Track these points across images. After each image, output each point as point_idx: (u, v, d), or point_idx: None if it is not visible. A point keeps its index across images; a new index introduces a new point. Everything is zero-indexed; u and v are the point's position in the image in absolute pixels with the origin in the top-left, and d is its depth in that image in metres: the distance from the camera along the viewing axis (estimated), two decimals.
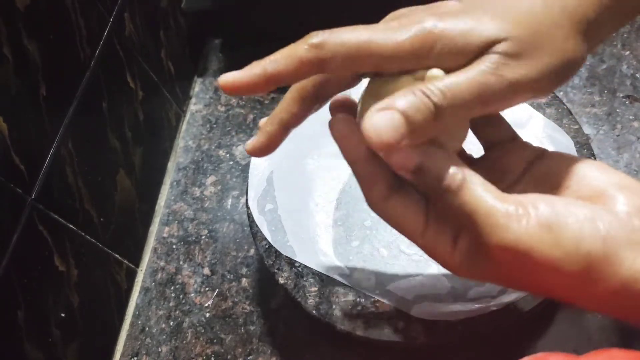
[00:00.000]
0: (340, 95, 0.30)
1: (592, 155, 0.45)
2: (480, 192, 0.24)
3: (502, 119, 0.31)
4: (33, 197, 0.41)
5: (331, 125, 0.28)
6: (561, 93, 0.57)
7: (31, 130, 0.42)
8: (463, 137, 0.28)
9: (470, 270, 0.26)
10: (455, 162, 0.25)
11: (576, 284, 0.23)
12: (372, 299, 0.42)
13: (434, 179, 0.25)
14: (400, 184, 0.27)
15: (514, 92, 0.25)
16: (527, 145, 0.30)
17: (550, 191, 0.26)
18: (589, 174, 0.26)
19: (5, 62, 0.39)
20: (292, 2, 0.64)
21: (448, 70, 0.25)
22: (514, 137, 0.31)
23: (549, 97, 0.49)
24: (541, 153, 0.29)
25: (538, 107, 0.49)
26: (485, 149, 0.32)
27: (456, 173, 0.24)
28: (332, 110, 0.30)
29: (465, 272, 0.26)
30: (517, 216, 0.23)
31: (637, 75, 0.57)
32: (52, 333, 0.43)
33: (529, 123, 0.48)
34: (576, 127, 0.47)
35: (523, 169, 0.29)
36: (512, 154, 0.30)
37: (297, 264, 0.45)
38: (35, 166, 0.42)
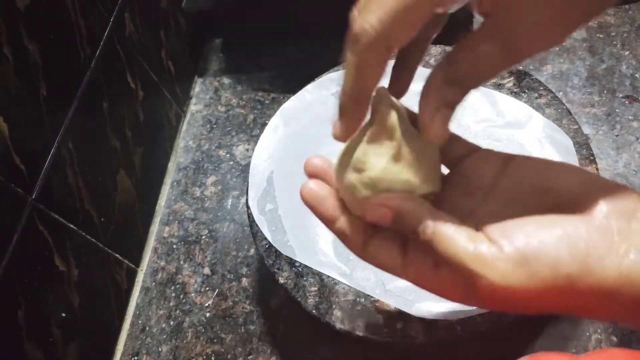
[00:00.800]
0: (316, 164, 0.31)
1: (592, 155, 0.45)
2: (451, 241, 0.25)
3: (456, 136, 0.31)
4: (33, 197, 0.41)
5: (302, 192, 0.30)
6: (561, 93, 0.57)
7: (31, 130, 0.42)
8: (437, 181, 0.29)
9: (463, 299, 0.27)
10: (426, 212, 0.26)
11: (565, 301, 0.24)
12: (372, 299, 0.42)
13: (409, 231, 0.26)
14: (374, 230, 0.29)
15: None
16: (491, 154, 0.30)
17: (523, 203, 0.27)
18: (559, 179, 0.26)
19: (5, 62, 0.39)
20: (291, 3, 0.64)
21: None
22: (475, 149, 0.31)
23: (549, 97, 0.49)
24: (508, 158, 0.29)
25: (538, 107, 0.49)
26: (449, 167, 0.32)
27: (426, 227, 0.25)
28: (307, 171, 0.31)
29: (459, 300, 0.27)
30: (489, 258, 0.24)
31: (637, 75, 0.57)
32: (52, 333, 0.43)
33: (529, 123, 0.48)
34: (575, 127, 0.47)
35: (492, 179, 0.29)
36: (478, 165, 0.30)
37: (297, 264, 0.45)
38: (35, 166, 0.42)
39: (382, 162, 0.27)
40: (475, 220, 0.26)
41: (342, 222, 0.29)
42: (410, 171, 0.27)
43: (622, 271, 0.22)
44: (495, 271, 0.23)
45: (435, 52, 0.53)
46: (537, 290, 0.23)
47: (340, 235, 0.29)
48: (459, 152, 0.31)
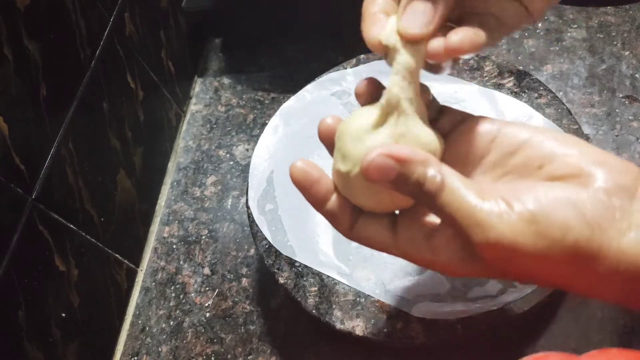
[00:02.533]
0: (329, 123, 0.30)
1: None
2: (460, 192, 0.24)
3: (447, 107, 0.30)
4: (33, 197, 0.41)
5: (292, 172, 0.28)
6: (561, 93, 0.57)
7: (31, 130, 0.42)
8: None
9: (460, 268, 0.26)
10: (433, 163, 0.25)
11: (567, 270, 0.23)
12: (372, 299, 0.42)
13: (414, 185, 0.25)
14: (361, 210, 0.28)
15: None
16: (482, 122, 0.28)
17: (523, 172, 0.26)
18: (560, 150, 0.25)
19: (5, 62, 0.39)
20: (291, 3, 0.64)
21: None
22: (465, 118, 0.29)
23: (549, 97, 0.49)
24: (500, 127, 0.28)
25: (538, 107, 0.49)
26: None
27: (434, 176, 0.24)
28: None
29: (455, 270, 0.26)
30: (498, 212, 0.23)
31: (637, 75, 0.57)
32: (52, 333, 0.43)
33: (529, 123, 0.48)
34: (575, 127, 0.47)
35: (485, 149, 0.28)
36: (470, 135, 0.28)
37: (297, 264, 0.45)
38: (35, 166, 0.42)
39: (369, 140, 0.26)
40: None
41: (332, 202, 0.28)
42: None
43: (622, 247, 0.22)
44: (504, 225, 0.23)
45: None
46: (544, 252, 0.23)
47: (329, 216, 0.29)
48: (449, 120, 0.30)
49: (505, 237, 0.23)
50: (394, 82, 0.26)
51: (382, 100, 0.26)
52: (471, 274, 0.26)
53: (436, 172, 0.24)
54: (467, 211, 0.24)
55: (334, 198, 0.28)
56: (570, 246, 0.23)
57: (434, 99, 0.30)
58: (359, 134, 0.27)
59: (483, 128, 0.28)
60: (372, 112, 0.27)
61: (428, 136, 0.27)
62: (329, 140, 0.30)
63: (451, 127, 0.29)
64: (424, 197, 0.25)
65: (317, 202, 0.29)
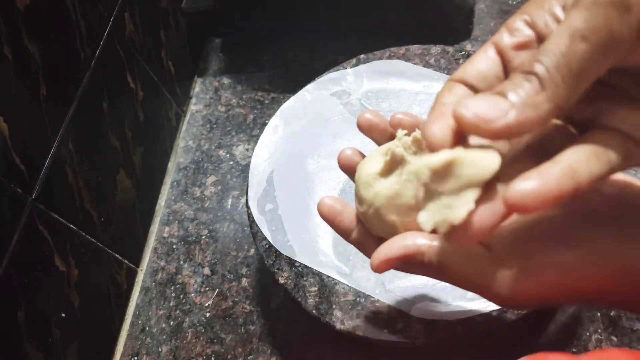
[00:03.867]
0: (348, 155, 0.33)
1: None
2: (455, 269, 0.27)
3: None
4: (33, 197, 0.41)
5: (320, 207, 0.32)
6: None
7: (31, 130, 0.42)
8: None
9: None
10: (427, 247, 0.27)
11: (567, 290, 0.25)
12: (372, 299, 0.42)
13: (418, 266, 0.28)
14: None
15: None
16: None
17: None
18: None
19: (5, 62, 0.39)
20: (291, 3, 0.64)
21: None
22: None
23: None
24: None
25: None
26: None
27: (431, 261, 0.27)
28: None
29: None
30: (493, 273, 0.25)
31: None
32: (52, 333, 0.43)
33: None
34: None
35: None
36: None
37: (297, 264, 0.45)
38: (35, 166, 0.42)
39: (378, 186, 0.29)
40: None
41: (356, 234, 0.32)
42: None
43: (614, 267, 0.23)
44: (501, 285, 0.25)
45: (435, 52, 0.53)
46: (542, 289, 0.25)
47: (356, 245, 0.32)
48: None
49: (504, 294, 0.25)
50: (398, 144, 0.29)
51: (387, 157, 0.29)
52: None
53: (429, 258, 0.27)
54: (466, 281, 0.27)
55: (358, 229, 0.32)
56: (566, 275, 0.24)
57: None
58: (368, 180, 0.30)
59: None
60: (380, 159, 0.30)
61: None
62: (349, 170, 0.33)
63: None
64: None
65: (343, 232, 0.32)
